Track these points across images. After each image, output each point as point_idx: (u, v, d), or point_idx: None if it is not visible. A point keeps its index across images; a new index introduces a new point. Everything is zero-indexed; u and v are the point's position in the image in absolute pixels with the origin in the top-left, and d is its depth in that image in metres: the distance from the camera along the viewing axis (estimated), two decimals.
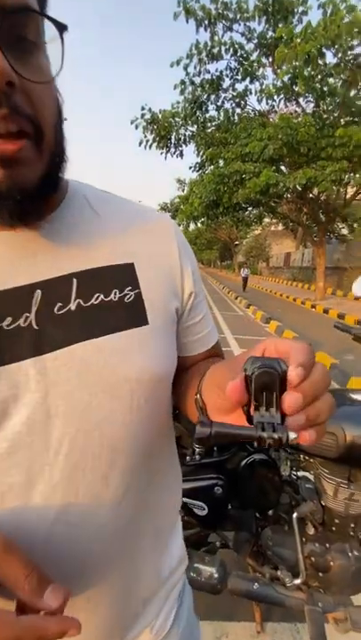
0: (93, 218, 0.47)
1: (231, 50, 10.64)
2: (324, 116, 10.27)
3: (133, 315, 0.43)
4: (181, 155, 12.63)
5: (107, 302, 0.42)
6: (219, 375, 0.40)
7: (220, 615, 1.38)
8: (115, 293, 0.43)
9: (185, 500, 1.19)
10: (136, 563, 0.47)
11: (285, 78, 9.78)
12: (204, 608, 1.37)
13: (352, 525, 1.19)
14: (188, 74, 11.00)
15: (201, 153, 11.88)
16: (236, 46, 10.64)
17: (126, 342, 0.42)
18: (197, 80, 11.13)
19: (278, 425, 0.27)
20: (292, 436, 0.26)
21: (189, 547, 1.36)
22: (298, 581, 1.16)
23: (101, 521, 0.41)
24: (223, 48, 10.58)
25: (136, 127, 11.50)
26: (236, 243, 35.27)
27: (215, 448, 1.27)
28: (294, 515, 1.17)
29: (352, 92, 10.20)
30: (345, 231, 20.07)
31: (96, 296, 0.42)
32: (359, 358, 4.97)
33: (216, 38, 10.48)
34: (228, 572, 1.22)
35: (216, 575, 1.20)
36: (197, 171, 12.73)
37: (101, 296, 0.42)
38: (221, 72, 11.06)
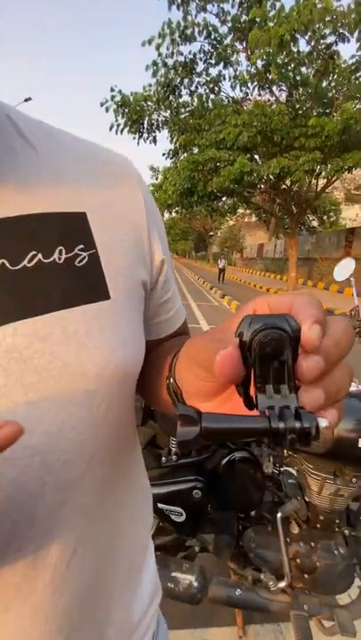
0: (26, 149, 0.33)
1: (205, 32, 10.35)
2: (297, 105, 10.30)
3: (88, 285, 0.32)
4: (155, 141, 12.25)
5: (47, 265, 0.30)
6: (197, 349, 0.28)
7: (200, 621, 1.30)
8: (59, 253, 0.31)
9: (161, 505, 1.07)
10: (107, 608, 0.37)
11: (259, 65, 9.67)
12: (182, 615, 1.28)
13: (337, 521, 1.13)
14: (160, 54, 10.59)
15: (175, 139, 11.57)
16: (210, 28, 10.36)
17: (79, 324, 0.30)
18: (170, 62, 10.76)
19: (299, 409, 0.18)
20: (324, 423, 0.18)
21: (166, 553, 1.27)
22: (282, 584, 1.08)
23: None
24: (197, 30, 10.26)
25: (107, 110, 10.98)
26: (211, 234, 35.32)
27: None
28: (278, 515, 1.09)
29: (324, 83, 10.29)
30: (315, 223, 20.62)
31: (30, 255, 0.29)
32: None
33: (189, 18, 10.14)
34: (208, 579, 1.13)
35: (196, 584, 1.10)
36: (171, 158, 12.43)
37: (39, 256, 0.30)
38: (195, 55, 10.76)
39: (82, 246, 0.32)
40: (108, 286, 0.33)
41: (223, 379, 0.19)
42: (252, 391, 0.20)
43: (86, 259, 0.32)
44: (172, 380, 0.35)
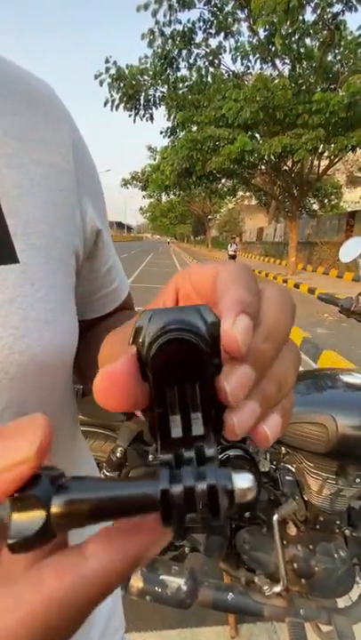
0: None
1: None
2: (301, 80, 9.84)
3: None
4: (152, 118, 11.75)
5: None
6: (110, 350, 0.26)
7: (191, 621, 1.24)
8: None
9: None
10: None
11: (262, 35, 9.16)
12: (172, 615, 1.22)
13: (338, 522, 1.05)
14: (157, 22, 9.99)
15: (172, 116, 11.10)
16: None
17: None
18: (167, 31, 10.16)
19: (206, 464, 0.12)
20: (241, 484, 0.11)
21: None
22: (278, 589, 1.01)
23: None
24: None
25: (101, 84, 10.45)
26: (210, 217, 34.70)
27: None
28: (275, 517, 1.01)
29: (329, 57, 9.80)
30: (316, 206, 20.26)
31: None
32: (330, 331, 4.99)
33: None
34: (198, 582, 1.06)
35: (185, 588, 1.03)
36: (169, 137, 11.96)
37: None
38: (194, 23, 10.15)
39: None
40: (16, 245, 0.23)
41: (108, 407, 0.13)
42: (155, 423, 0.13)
43: None
44: None
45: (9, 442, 0.11)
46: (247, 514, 1.09)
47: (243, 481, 0.11)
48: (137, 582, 1.02)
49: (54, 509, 0.11)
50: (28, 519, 0.11)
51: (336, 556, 1.02)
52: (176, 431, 0.12)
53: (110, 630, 0.40)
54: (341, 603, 1.14)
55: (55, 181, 0.28)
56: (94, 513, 0.11)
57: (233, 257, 13.69)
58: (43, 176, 0.27)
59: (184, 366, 0.12)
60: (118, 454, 1.06)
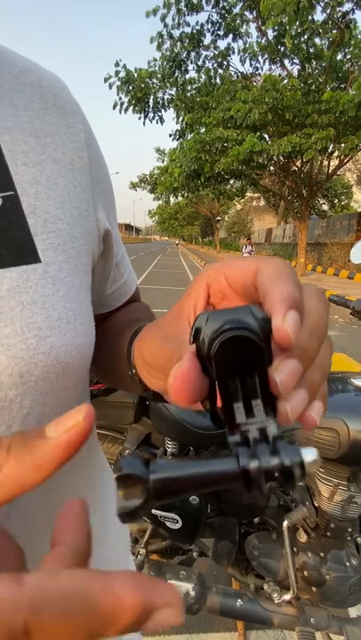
0: None
1: (212, 0, 9.75)
2: (310, 80, 9.76)
3: (4, 241, 0.23)
4: (161, 120, 11.81)
5: None
6: (150, 353, 0.24)
7: (199, 626, 1.23)
8: None
9: (155, 511, 0.98)
10: None
11: (270, 35, 9.12)
12: None
13: (349, 529, 1.03)
14: (166, 25, 10.04)
15: (181, 119, 11.13)
16: None
17: None
18: (176, 34, 10.21)
19: (278, 441, 0.14)
20: (310, 457, 0.13)
21: (162, 557, 1.19)
22: (288, 597, 0.99)
23: None
24: None
25: (110, 86, 10.55)
26: (218, 218, 34.63)
27: (191, 448, 1.06)
28: (285, 523, 0.99)
29: (339, 56, 9.70)
30: (325, 207, 20.04)
31: None
32: (341, 334, 4.92)
33: None
34: (207, 588, 1.05)
35: (193, 593, 1.02)
36: (177, 139, 11.99)
37: None
38: (202, 25, 10.18)
39: None
40: (37, 244, 0.23)
41: (182, 403, 0.15)
42: (219, 402, 0.15)
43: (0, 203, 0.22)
44: (134, 370, 0.29)
45: (66, 417, 0.13)
46: (256, 519, 1.07)
47: (310, 454, 0.13)
48: None
49: (153, 485, 0.13)
50: (132, 495, 0.13)
51: (348, 564, 0.99)
52: (240, 417, 0.14)
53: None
54: (353, 612, 1.11)
55: (70, 179, 0.27)
56: (184, 487, 0.13)
57: None
58: (59, 173, 0.26)
59: (242, 360, 0.14)
60: None
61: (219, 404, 0.15)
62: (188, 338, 0.16)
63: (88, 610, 0.10)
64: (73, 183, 0.27)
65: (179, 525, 0.98)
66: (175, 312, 0.21)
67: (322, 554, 1.01)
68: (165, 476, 0.13)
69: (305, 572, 0.99)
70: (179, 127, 11.61)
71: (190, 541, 1.04)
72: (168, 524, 0.99)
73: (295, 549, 1.03)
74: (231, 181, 12.55)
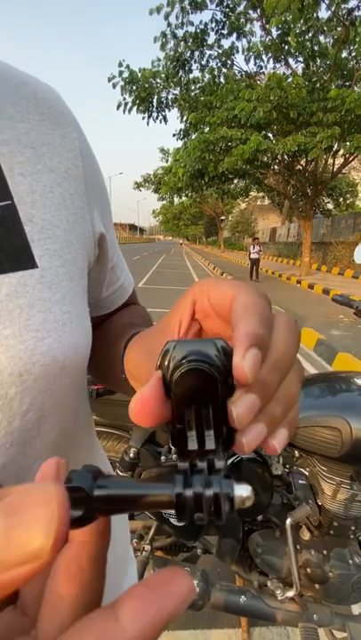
0: None
1: None
2: (314, 78, 9.70)
3: (3, 248, 0.24)
4: (165, 120, 11.81)
5: None
6: (135, 366, 0.26)
7: (203, 622, 1.24)
8: None
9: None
10: None
11: (275, 34, 9.07)
12: (184, 616, 1.23)
13: (352, 528, 1.04)
14: (169, 25, 10.03)
15: (185, 118, 11.12)
16: None
17: None
18: (180, 33, 10.20)
19: (212, 473, 0.14)
20: (240, 493, 0.13)
21: (166, 554, 1.20)
22: (291, 593, 1.01)
23: None
24: None
25: (114, 86, 10.58)
26: (222, 218, 34.56)
27: None
28: (288, 520, 1.00)
29: (344, 54, 9.63)
30: (330, 206, 19.91)
31: None
32: (345, 333, 4.89)
33: None
34: (211, 584, 1.06)
35: (197, 589, 1.03)
36: (181, 138, 11.99)
37: None
38: (206, 24, 10.15)
39: None
40: (34, 250, 0.24)
41: (143, 425, 0.16)
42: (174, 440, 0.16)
43: None
44: (124, 376, 0.31)
45: (19, 522, 0.09)
46: (260, 517, 1.09)
47: (242, 490, 0.13)
48: None
49: (96, 499, 0.13)
50: (77, 504, 0.13)
51: (351, 562, 1.00)
52: (192, 444, 0.15)
53: None
54: (356, 609, 1.12)
55: (66, 187, 0.28)
56: (124, 506, 0.13)
57: (256, 261, 10.93)
58: (55, 182, 0.27)
59: (200, 391, 0.15)
60: (131, 455, 1.08)
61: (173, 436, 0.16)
62: (154, 374, 0.17)
63: None
64: (69, 191, 0.28)
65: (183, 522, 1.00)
66: (161, 326, 0.22)
67: (325, 551, 1.02)
68: (107, 494, 0.13)
69: (308, 570, 1.00)
70: (183, 127, 11.61)
71: (194, 538, 1.06)
72: (173, 520, 1.00)
73: (298, 547, 1.04)
74: (235, 181, 12.52)
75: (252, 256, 10.74)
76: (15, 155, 0.25)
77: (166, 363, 0.16)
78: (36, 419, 0.24)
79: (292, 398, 0.18)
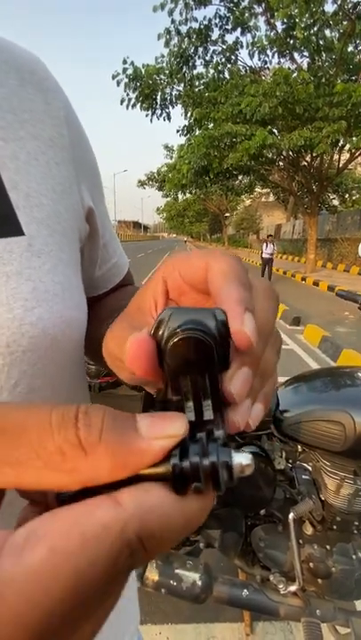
0: None
1: None
2: (320, 73, 9.58)
3: None
4: (168, 117, 11.76)
5: None
6: (116, 343, 0.22)
7: (206, 616, 1.25)
8: None
9: None
10: None
11: (279, 28, 8.96)
12: (187, 610, 1.23)
13: (356, 523, 1.03)
14: (173, 21, 9.96)
15: (189, 114, 11.06)
16: None
17: None
18: (184, 29, 10.13)
19: (210, 442, 0.13)
20: (240, 460, 0.13)
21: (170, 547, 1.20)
22: (293, 588, 1.00)
23: None
24: None
25: (118, 84, 10.55)
26: (227, 215, 34.38)
27: None
28: (291, 515, 1.00)
29: (350, 48, 9.49)
30: (336, 202, 19.71)
31: None
32: (350, 330, 4.85)
33: None
34: (213, 578, 1.06)
35: (200, 583, 1.03)
36: (185, 135, 11.93)
37: None
38: (210, 20, 10.06)
39: None
40: (20, 218, 0.23)
41: (139, 371, 0.15)
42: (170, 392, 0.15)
43: None
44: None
45: (163, 419, 0.12)
46: (263, 511, 1.08)
47: (241, 458, 0.13)
48: (152, 575, 1.03)
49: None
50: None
51: (354, 557, 1.00)
52: (190, 415, 0.14)
53: (123, 620, 0.40)
54: (359, 605, 1.11)
55: (52, 155, 0.27)
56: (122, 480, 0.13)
57: (268, 261, 9.61)
58: (39, 150, 0.26)
59: (195, 360, 0.14)
60: None
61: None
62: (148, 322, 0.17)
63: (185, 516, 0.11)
64: (54, 159, 0.27)
65: None
66: (136, 305, 0.21)
67: (328, 546, 1.01)
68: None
69: (311, 565, 1.00)
70: (186, 123, 11.54)
71: (197, 532, 1.06)
72: None
73: (301, 542, 1.03)
74: (240, 177, 12.44)
75: (265, 256, 9.50)
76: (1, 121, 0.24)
77: (162, 330, 0.15)
78: (25, 393, 0.23)
79: (270, 369, 0.17)
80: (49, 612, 0.09)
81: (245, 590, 1.04)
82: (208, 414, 0.14)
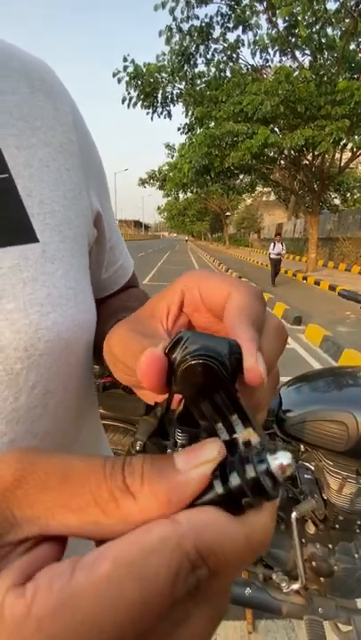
0: None
1: None
2: (322, 71, 9.55)
3: (3, 221, 0.23)
4: (169, 115, 11.74)
5: None
6: (121, 340, 0.22)
7: None
8: None
9: None
10: None
11: (281, 26, 8.93)
12: None
13: (358, 522, 1.04)
14: (175, 19, 9.94)
15: (190, 113, 11.04)
16: None
17: None
18: (185, 27, 10.10)
19: (256, 444, 0.13)
20: (284, 461, 0.13)
21: None
22: (296, 586, 1.01)
23: None
24: None
25: (118, 81, 10.53)
26: (228, 214, 34.34)
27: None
28: (293, 514, 1.00)
29: (352, 46, 9.45)
30: (337, 201, 19.67)
31: None
32: (352, 329, 4.85)
33: None
34: None
35: None
36: (186, 133, 11.92)
37: None
38: (211, 18, 10.03)
39: None
40: (34, 225, 0.24)
41: (150, 385, 0.15)
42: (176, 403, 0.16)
43: None
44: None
45: (197, 449, 0.13)
46: None
47: (280, 459, 0.13)
48: None
49: None
50: None
51: (356, 555, 1.00)
52: (224, 435, 0.14)
53: None
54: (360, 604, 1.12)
55: (62, 161, 0.27)
56: None
57: (277, 262, 9.07)
58: (50, 156, 0.27)
59: (202, 385, 0.15)
60: (138, 448, 1.09)
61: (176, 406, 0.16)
62: (163, 337, 0.18)
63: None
64: (65, 166, 0.27)
65: None
66: (148, 312, 0.21)
67: (330, 545, 1.02)
68: None
69: (313, 563, 1.01)
70: (188, 121, 11.52)
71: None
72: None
73: (304, 540, 1.04)
74: (241, 176, 12.42)
75: (273, 256, 8.99)
76: (7, 127, 0.25)
77: (177, 351, 0.15)
78: (41, 395, 0.24)
79: (263, 403, 0.17)
80: (118, 621, 0.10)
81: (248, 588, 1.05)
82: (239, 428, 0.14)
